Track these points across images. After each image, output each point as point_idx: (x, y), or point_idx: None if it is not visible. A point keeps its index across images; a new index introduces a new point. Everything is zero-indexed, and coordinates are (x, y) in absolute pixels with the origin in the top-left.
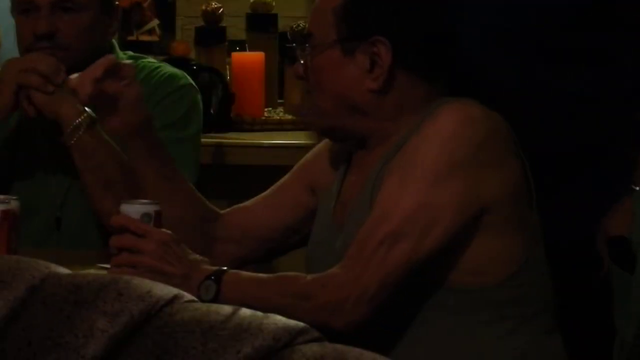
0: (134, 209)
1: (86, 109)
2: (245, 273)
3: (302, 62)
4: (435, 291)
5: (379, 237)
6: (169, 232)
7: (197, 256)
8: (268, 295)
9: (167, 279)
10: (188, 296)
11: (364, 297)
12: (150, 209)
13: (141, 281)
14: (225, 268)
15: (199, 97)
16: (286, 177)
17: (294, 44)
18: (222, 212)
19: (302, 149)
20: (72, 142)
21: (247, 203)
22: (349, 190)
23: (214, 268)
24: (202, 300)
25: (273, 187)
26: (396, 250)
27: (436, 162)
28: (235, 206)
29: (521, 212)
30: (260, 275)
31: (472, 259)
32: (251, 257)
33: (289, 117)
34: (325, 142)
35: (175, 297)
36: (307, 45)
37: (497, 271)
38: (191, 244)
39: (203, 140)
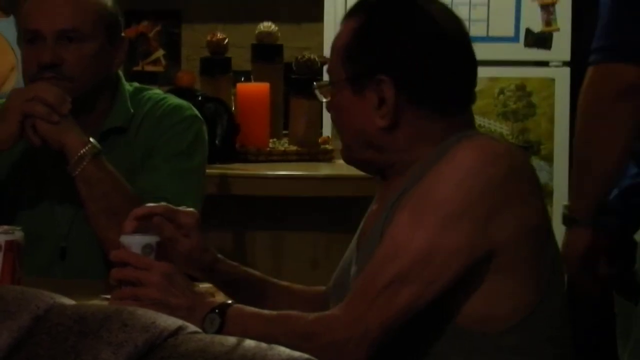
0: (135, 241)
1: (91, 139)
2: (250, 308)
3: (324, 99)
4: (442, 333)
5: (386, 279)
6: (170, 264)
7: (201, 288)
8: (271, 332)
9: (172, 311)
10: (192, 327)
11: (366, 338)
12: (152, 240)
13: (145, 312)
14: (230, 302)
15: (205, 127)
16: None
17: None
18: (327, 289)
19: (306, 179)
20: (77, 172)
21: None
22: (369, 220)
23: (219, 301)
24: (206, 333)
25: None
26: (402, 293)
27: (451, 201)
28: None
29: (535, 253)
30: (265, 311)
31: (481, 302)
32: None
33: (293, 148)
34: None
35: (180, 328)
36: (327, 83)
37: (507, 315)
38: None
39: (208, 170)
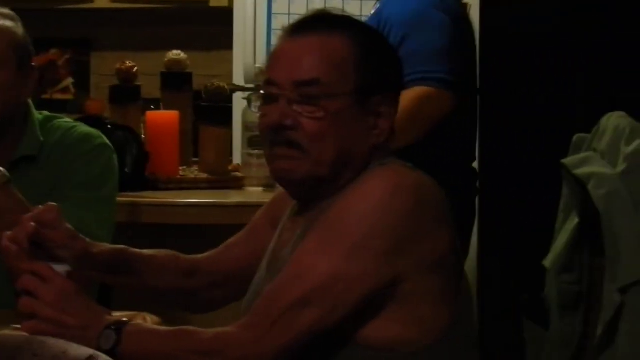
0: None
1: (0, 168)
2: (147, 325)
3: (294, 110)
4: (350, 356)
5: (287, 301)
6: (70, 282)
7: (100, 307)
8: (168, 350)
9: (65, 330)
10: (103, 356)
11: (264, 358)
12: (61, 269)
13: (56, 342)
14: (126, 320)
15: (115, 156)
16: (258, 213)
17: (282, 90)
18: (199, 257)
19: (217, 207)
20: None
21: (224, 247)
22: (282, 241)
23: (115, 318)
24: (102, 351)
25: (248, 226)
26: (303, 317)
27: (356, 232)
28: (212, 251)
29: (444, 283)
30: (162, 328)
31: (385, 327)
32: (236, 297)
33: (203, 175)
34: None
35: (91, 357)
36: (313, 92)
37: (418, 337)
38: (180, 305)
39: (118, 199)
